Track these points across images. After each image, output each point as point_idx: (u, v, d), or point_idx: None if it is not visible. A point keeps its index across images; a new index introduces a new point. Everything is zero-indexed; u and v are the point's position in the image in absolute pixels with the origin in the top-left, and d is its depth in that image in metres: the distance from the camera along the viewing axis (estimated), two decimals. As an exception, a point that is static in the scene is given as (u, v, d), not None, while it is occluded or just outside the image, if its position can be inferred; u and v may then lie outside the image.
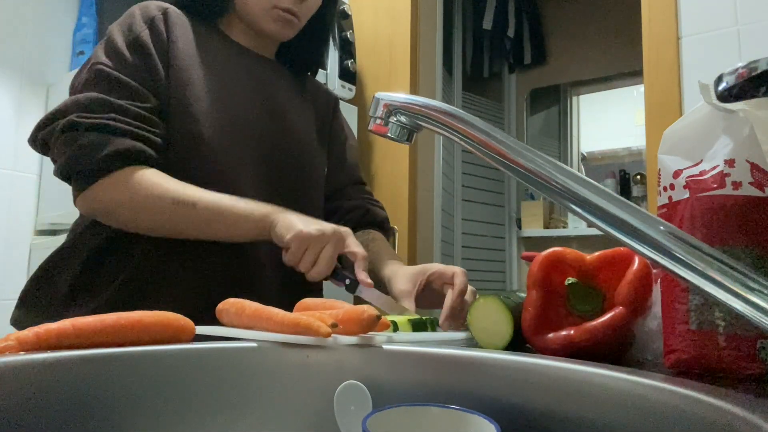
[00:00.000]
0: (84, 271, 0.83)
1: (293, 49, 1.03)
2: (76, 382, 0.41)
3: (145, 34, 0.84)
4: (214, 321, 0.63)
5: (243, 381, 0.50)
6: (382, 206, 1.11)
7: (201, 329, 0.57)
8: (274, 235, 0.79)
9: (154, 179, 0.78)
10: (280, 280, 0.89)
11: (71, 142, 0.76)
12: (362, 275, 0.79)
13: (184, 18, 0.89)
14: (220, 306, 0.62)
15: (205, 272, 0.83)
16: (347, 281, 0.80)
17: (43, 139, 0.80)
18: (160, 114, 0.82)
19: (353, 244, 0.80)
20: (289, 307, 0.63)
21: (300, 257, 0.77)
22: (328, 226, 0.79)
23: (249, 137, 0.88)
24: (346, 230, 0.80)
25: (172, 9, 0.88)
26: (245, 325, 0.58)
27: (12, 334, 0.42)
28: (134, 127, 0.78)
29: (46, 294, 0.84)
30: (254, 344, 0.52)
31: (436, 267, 0.86)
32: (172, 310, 0.53)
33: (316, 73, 1.12)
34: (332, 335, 0.52)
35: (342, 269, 0.81)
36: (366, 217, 1.05)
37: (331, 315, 0.56)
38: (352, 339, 0.53)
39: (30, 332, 0.43)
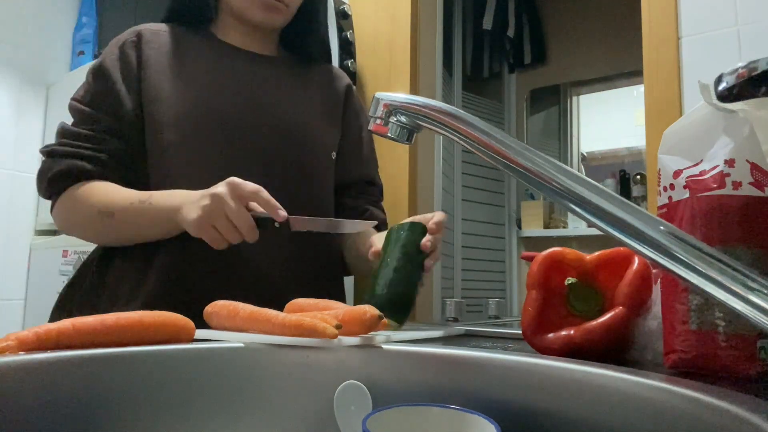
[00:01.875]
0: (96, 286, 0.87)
1: (291, 40, 1.03)
2: (76, 382, 0.41)
3: (112, 59, 0.89)
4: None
5: (243, 381, 0.50)
6: (383, 209, 1.11)
7: (200, 333, 0.56)
8: (188, 231, 0.78)
9: (85, 194, 0.84)
10: (293, 275, 0.89)
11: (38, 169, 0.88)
12: (276, 211, 0.75)
13: (162, 34, 0.93)
14: (208, 308, 0.61)
15: (224, 272, 0.83)
16: (276, 224, 0.75)
17: None
18: (118, 132, 0.87)
19: (244, 187, 0.75)
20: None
21: (219, 236, 0.75)
22: (210, 193, 0.75)
23: (223, 134, 0.88)
24: (231, 180, 0.75)
25: (148, 30, 0.92)
26: (239, 328, 0.57)
27: (12, 334, 0.42)
28: (77, 148, 0.85)
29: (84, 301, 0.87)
30: (255, 345, 0.52)
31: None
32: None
33: (327, 60, 1.10)
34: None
35: (261, 216, 0.76)
36: (364, 216, 1.05)
37: (332, 315, 0.55)
38: (354, 339, 0.53)
39: (30, 332, 0.43)
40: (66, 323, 0.45)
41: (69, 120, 0.90)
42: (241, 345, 0.52)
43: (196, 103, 0.87)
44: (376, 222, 0.93)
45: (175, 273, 0.83)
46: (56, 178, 0.85)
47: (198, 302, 0.64)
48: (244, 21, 0.95)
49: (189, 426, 0.47)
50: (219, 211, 0.74)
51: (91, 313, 0.48)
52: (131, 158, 0.88)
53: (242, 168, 0.87)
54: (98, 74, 0.89)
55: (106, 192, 0.84)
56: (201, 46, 0.94)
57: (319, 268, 0.95)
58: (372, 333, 0.57)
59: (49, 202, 0.89)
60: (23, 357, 0.40)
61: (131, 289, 0.83)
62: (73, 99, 0.91)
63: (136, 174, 0.88)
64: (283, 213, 0.75)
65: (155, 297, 0.81)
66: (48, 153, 0.87)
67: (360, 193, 1.07)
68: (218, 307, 0.60)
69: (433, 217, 0.82)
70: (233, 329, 0.58)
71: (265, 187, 0.88)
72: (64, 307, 0.89)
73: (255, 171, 0.88)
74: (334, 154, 1.02)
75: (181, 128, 0.86)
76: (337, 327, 0.51)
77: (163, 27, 0.94)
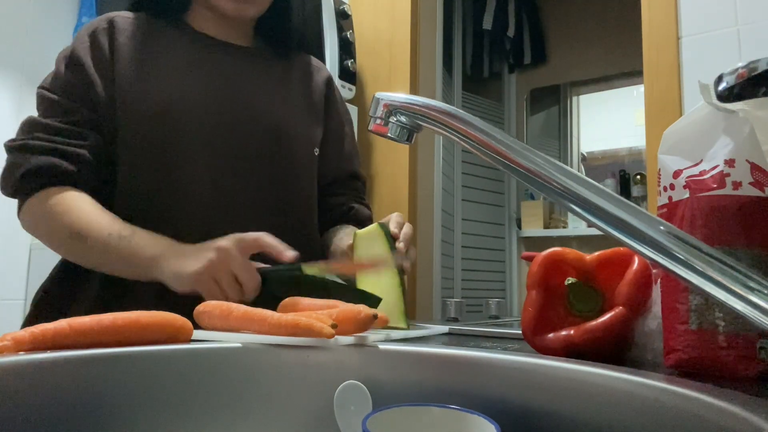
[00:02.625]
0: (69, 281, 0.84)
1: (267, 29, 0.99)
2: (74, 383, 0.41)
3: (83, 48, 0.84)
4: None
5: (242, 381, 0.50)
6: (368, 205, 1.08)
7: (197, 333, 0.56)
8: (168, 285, 0.74)
9: (60, 208, 0.77)
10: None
11: (4, 165, 0.80)
12: (283, 254, 0.73)
13: (135, 22, 0.88)
14: (199, 308, 0.60)
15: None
16: (288, 274, 0.73)
17: None
18: (94, 124, 0.82)
19: (246, 241, 0.73)
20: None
21: (218, 291, 0.71)
22: (211, 249, 0.72)
23: (202, 128, 0.84)
24: (229, 239, 0.73)
25: (121, 17, 0.88)
26: (232, 328, 0.57)
27: (8, 334, 0.42)
28: (51, 143, 0.78)
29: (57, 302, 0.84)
30: (254, 345, 0.52)
31: (390, 216, 0.85)
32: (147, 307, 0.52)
33: (307, 51, 1.06)
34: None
35: (269, 267, 0.75)
36: (349, 214, 1.02)
37: (327, 315, 0.55)
38: (348, 339, 0.53)
39: (26, 332, 0.43)
40: (62, 323, 0.44)
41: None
42: (241, 345, 0.52)
43: (170, 95, 0.84)
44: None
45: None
46: (29, 177, 0.77)
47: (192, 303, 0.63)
48: (216, 11, 0.91)
49: (188, 426, 0.47)
50: (224, 266, 0.71)
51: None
52: (107, 153, 0.83)
53: (223, 164, 0.85)
54: (70, 63, 0.84)
55: (83, 211, 0.77)
56: (176, 36, 0.90)
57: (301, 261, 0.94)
58: (367, 332, 0.56)
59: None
60: (20, 357, 0.40)
61: (120, 293, 0.80)
62: (41, 87, 0.84)
63: (108, 171, 0.83)
64: (290, 254, 0.72)
65: (149, 297, 0.78)
66: (18, 148, 0.78)
67: (344, 188, 1.04)
68: (210, 306, 0.59)
69: (391, 220, 0.82)
70: (225, 329, 0.57)
71: (247, 185, 0.86)
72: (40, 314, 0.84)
73: (237, 168, 0.86)
74: (317, 150, 0.98)
75: (158, 122, 0.82)
76: (333, 326, 0.51)
77: (133, 15, 0.90)
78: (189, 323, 0.53)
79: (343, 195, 1.04)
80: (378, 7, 2.01)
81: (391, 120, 0.51)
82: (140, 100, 0.82)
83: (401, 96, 0.51)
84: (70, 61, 0.84)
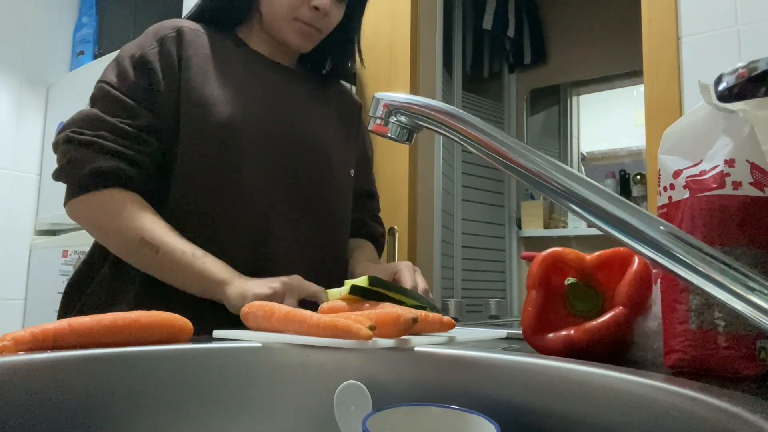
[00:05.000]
0: (108, 277, 0.86)
1: (314, 57, 1.02)
2: (74, 383, 0.41)
3: (153, 53, 0.84)
4: (211, 324, 0.63)
5: (242, 381, 0.50)
6: (381, 222, 1.13)
7: (222, 333, 0.56)
8: (230, 306, 0.77)
9: (127, 211, 0.79)
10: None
11: (64, 155, 0.80)
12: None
13: (200, 34, 0.89)
14: (245, 309, 0.60)
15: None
16: None
17: (53, 147, 0.84)
18: (156, 130, 0.83)
19: (309, 286, 0.79)
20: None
21: None
22: (280, 281, 0.77)
23: (259, 146, 0.87)
24: (296, 278, 0.79)
25: (188, 26, 0.88)
26: (274, 329, 0.56)
27: (8, 334, 0.42)
28: (120, 146, 0.79)
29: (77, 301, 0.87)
30: (254, 344, 0.52)
31: (400, 266, 0.89)
32: (185, 312, 0.53)
33: (340, 78, 1.10)
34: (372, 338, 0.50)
35: None
36: (362, 230, 1.07)
37: (366, 316, 0.54)
38: (389, 342, 0.52)
39: (26, 332, 0.43)
40: (62, 323, 0.44)
41: (74, 110, 0.84)
42: (240, 345, 0.52)
43: (237, 113, 0.85)
44: None
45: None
46: (96, 176, 0.78)
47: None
48: (276, 38, 0.94)
49: (187, 426, 0.47)
50: (283, 297, 0.75)
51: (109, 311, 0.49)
52: (165, 161, 0.84)
53: (275, 179, 0.88)
54: (139, 64, 0.83)
55: (153, 222, 0.80)
56: (237, 53, 0.92)
57: (336, 273, 0.95)
58: (408, 336, 0.55)
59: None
60: (20, 357, 0.40)
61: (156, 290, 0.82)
62: (104, 82, 0.83)
63: (165, 179, 0.85)
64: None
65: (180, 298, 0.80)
66: (86, 143, 0.79)
67: (360, 206, 1.08)
68: (255, 307, 0.59)
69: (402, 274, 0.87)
70: (269, 330, 0.57)
71: (296, 201, 0.90)
72: (73, 308, 0.88)
73: (288, 183, 0.89)
74: (352, 172, 1.02)
75: (220, 137, 0.83)
76: (371, 328, 0.50)
77: (198, 26, 0.90)
78: (189, 323, 0.53)
79: (358, 211, 1.07)
80: (378, 7, 2.01)
81: (391, 120, 0.51)
82: (204, 113, 0.83)
83: (401, 96, 0.51)
84: (139, 62, 0.84)
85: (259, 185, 0.86)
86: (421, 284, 0.87)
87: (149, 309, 0.52)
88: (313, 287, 0.79)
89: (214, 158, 0.83)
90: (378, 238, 1.09)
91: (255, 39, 0.96)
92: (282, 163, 0.89)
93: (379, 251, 1.09)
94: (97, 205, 0.80)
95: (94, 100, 0.84)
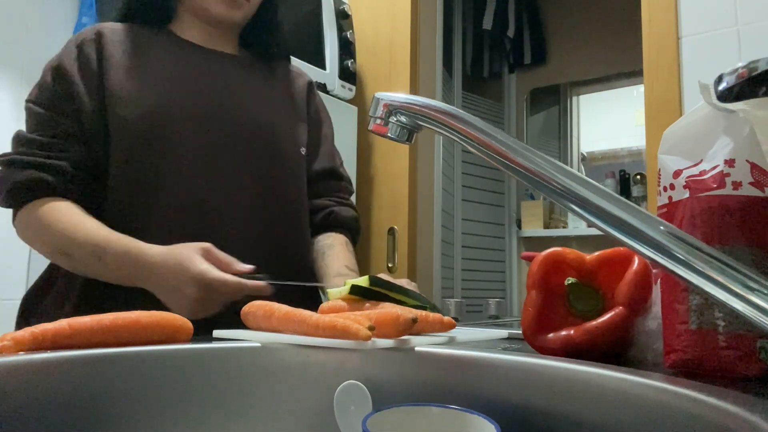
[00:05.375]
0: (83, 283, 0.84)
1: (251, 38, 1.02)
2: (74, 383, 0.41)
3: (70, 59, 0.86)
4: (211, 324, 0.63)
5: (242, 381, 0.50)
6: (352, 204, 1.08)
7: (222, 333, 0.56)
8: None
9: (45, 221, 0.80)
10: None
11: None
12: (232, 265, 0.74)
13: (121, 33, 0.90)
14: (245, 309, 0.60)
15: None
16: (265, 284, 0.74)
17: None
18: (79, 136, 0.83)
19: (204, 247, 0.74)
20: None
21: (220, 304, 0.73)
22: (192, 285, 0.71)
23: (190, 134, 0.86)
24: (201, 278, 0.71)
25: (109, 28, 0.90)
26: (274, 329, 0.56)
27: (8, 334, 0.42)
28: (37, 157, 0.81)
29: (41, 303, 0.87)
30: (254, 344, 0.52)
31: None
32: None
33: (286, 58, 1.09)
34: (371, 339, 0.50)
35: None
36: (330, 218, 1.02)
37: (366, 316, 0.54)
38: (388, 342, 0.51)
39: (26, 332, 0.43)
40: (62, 323, 0.45)
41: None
42: (240, 345, 0.52)
43: (163, 101, 0.85)
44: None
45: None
46: (16, 191, 0.80)
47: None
48: (205, 17, 0.94)
49: (187, 426, 0.47)
50: (214, 304, 0.73)
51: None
52: (94, 163, 0.84)
53: (210, 166, 0.87)
54: (56, 74, 0.85)
55: (67, 225, 0.79)
56: (162, 44, 0.92)
57: (294, 255, 0.94)
58: (407, 336, 0.54)
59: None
60: (20, 357, 0.40)
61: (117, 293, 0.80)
62: (28, 101, 0.86)
63: (98, 180, 0.84)
64: (242, 267, 0.74)
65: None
66: (5, 163, 0.82)
67: (325, 189, 1.05)
68: (255, 307, 0.59)
69: None
70: (269, 330, 0.57)
71: (236, 184, 0.88)
72: (31, 313, 0.87)
73: (225, 168, 0.88)
74: (303, 150, 1.00)
75: (148, 128, 0.83)
76: (370, 329, 0.50)
77: (121, 26, 0.92)
78: (189, 323, 0.53)
79: (325, 197, 1.04)
80: (378, 7, 2.01)
81: (391, 120, 0.51)
82: (128, 108, 0.84)
83: (401, 96, 0.51)
84: (57, 72, 0.85)
85: (190, 174, 0.85)
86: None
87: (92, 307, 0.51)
88: (204, 248, 0.74)
89: (141, 152, 0.83)
90: (349, 222, 1.04)
91: (187, 29, 0.96)
92: (217, 146, 0.88)
93: (355, 237, 1.05)
94: (25, 220, 0.82)
95: (25, 122, 0.87)
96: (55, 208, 0.80)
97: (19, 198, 0.81)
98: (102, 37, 0.88)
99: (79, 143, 0.84)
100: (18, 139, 0.84)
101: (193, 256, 0.72)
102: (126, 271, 0.77)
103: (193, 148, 0.86)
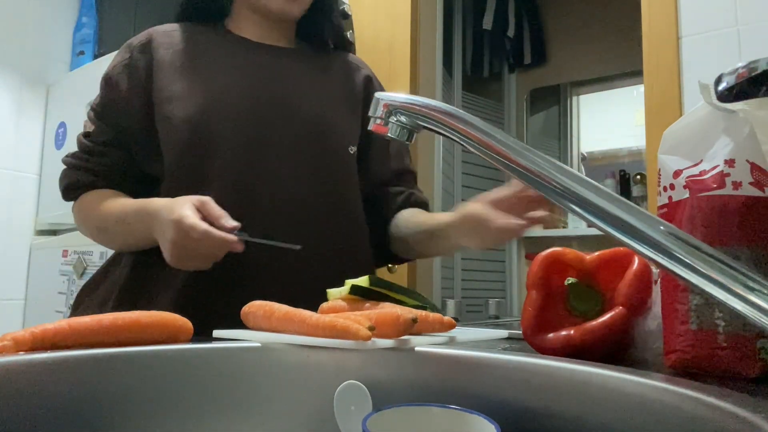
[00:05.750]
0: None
1: (308, 30, 1.02)
2: (74, 382, 0.41)
3: (120, 66, 0.91)
4: (211, 323, 0.63)
5: (242, 381, 0.50)
6: (422, 193, 1.08)
7: (222, 333, 0.56)
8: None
9: (86, 208, 0.92)
10: (280, 280, 0.86)
11: None
12: (221, 219, 0.73)
13: (174, 34, 0.92)
14: (245, 309, 0.60)
15: (201, 274, 0.80)
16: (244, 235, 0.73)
17: None
18: (119, 143, 0.90)
19: (198, 200, 0.74)
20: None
21: (203, 264, 0.75)
22: (170, 240, 0.73)
23: (236, 132, 0.86)
24: (174, 221, 0.72)
25: (160, 31, 0.93)
26: (274, 329, 0.56)
27: (8, 334, 0.42)
28: (81, 161, 0.92)
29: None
30: (254, 344, 0.52)
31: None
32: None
33: (344, 48, 1.08)
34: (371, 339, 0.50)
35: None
36: (411, 199, 1.03)
37: (365, 316, 0.53)
38: (388, 342, 0.51)
39: (26, 332, 0.43)
40: (62, 323, 0.45)
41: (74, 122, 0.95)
42: (240, 345, 0.52)
43: (210, 101, 0.86)
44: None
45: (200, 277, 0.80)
46: (65, 190, 0.94)
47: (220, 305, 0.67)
48: (262, 12, 0.94)
49: (187, 426, 0.47)
50: (191, 252, 0.73)
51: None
52: (146, 160, 0.90)
53: (257, 165, 0.86)
54: (106, 83, 0.92)
55: (101, 206, 0.88)
56: (215, 42, 0.93)
57: (343, 269, 0.89)
58: (408, 336, 0.54)
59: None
60: (20, 357, 0.40)
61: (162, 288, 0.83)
62: (90, 108, 0.95)
63: (150, 177, 0.90)
64: (232, 223, 0.73)
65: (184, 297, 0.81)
66: (66, 164, 0.95)
67: (399, 182, 1.05)
68: (255, 307, 0.59)
69: None
70: (269, 330, 0.56)
71: (283, 182, 0.88)
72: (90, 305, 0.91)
73: (271, 163, 0.87)
74: (353, 149, 0.97)
75: (195, 126, 0.84)
76: (370, 329, 0.50)
77: (175, 27, 0.94)
78: (189, 323, 0.53)
79: (400, 186, 1.05)
80: (378, 7, 2.01)
81: (391, 120, 0.51)
82: (175, 109, 0.86)
83: (401, 96, 0.51)
84: (106, 82, 0.92)
85: (239, 168, 0.85)
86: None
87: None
88: (197, 200, 0.74)
89: (188, 152, 0.84)
90: (424, 205, 1.05)
91: (243, 25, 0.96)
92: (264, 142, 0.87)
93: None
94: (75, 216, 0.95)
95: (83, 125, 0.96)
96: (95, 195, 0.91)
97: (68, 195, 0.94)
98: (152, 40, 0.91)
99: (118, 149, 0.91)
100: (78, 143, 0.95)
101: (184, 204, 0.73)
102: (143, 226, 0.81)
103: (239, 145, 0.86)
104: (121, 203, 0.87)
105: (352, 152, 0.98)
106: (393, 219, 1.02)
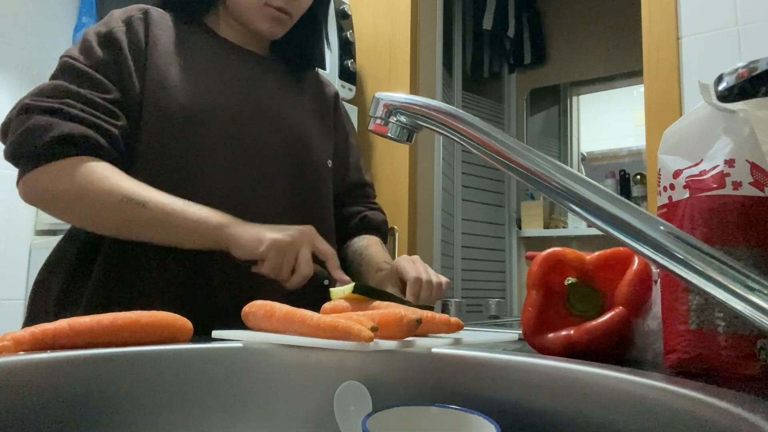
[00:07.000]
0: (72, 278, 0.81)
1: (286, 45, 1.01)
2: (74, 383, 0.41)
3: (120, 30, 0.82)
4: (211, 324, 0.63)
5: (242, 381, 0.50)
6: (380, 209, 1.11)
7: (223, 333, 0.55)
8: (238, 249, 0.75)
9: (103, 173, 0.74)
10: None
11: (21, 125, 0.74)
12: (338, 273, 0.78)
13: (166, 19, 0.89)
14: (246, 309, 0.59)
15: (202, 272, 0.80)
16: (326, 281, 0.79)
17: (2, 128, 0.78)
18: (123, 107, 0.80)
19: (321, 242, 0.79)
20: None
21: (280, 266, 0.75)
22: (295, 229, 0.77)
23: (227, 132, 0.85)
24: (310, 228, 0.79)
25: (154, 10, 0.88)
26: (274, 329, 0.55)
27: (8, 334, 0.42)
28: (88, 114, 0.75)
29: (42, 301, 0.82)
30: (254, 344, 0.52)
31: (400, 263, 0.90)
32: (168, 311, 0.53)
33: (314, 67, 1.08)
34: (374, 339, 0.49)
35: (319, 270, 0.79)
36: (363, 222, 1.05)
37: (368, 317, 0.52)
38: (391, 344, 0.50)
39: (26, 332, 0.43)
40: (62, 323, 0.45)
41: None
42: (240, 345, 0.52)
43: (201, 96, 0.84)
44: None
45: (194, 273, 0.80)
46: (59, 142, 0.72)
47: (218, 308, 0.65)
48: (246, 26, 0.93)
49: (187, 426, 0.47)
50: (298, 246, 0.75)
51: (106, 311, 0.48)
52: (128, 139, 0.80)
53: (244, 165, 0.86)
54: (107, 41, 0.81)
55: (131, 180, 0.75)
56: (203, 40, 0.91)
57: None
58: (411, 338, 0.53)
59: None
60: (20, 357, 0.40)
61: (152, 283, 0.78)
62: (68, 56, 0.80)
63: (130, 158, 0.81)
64: (345, 278, 0.78)
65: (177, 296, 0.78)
66: (47, 110, 0.74)
67: (353, 199, 1.07)
68: (255, 307, 0.58)
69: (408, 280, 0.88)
70: (269, 330, 0.56)
71: (268, 186, 0.87)
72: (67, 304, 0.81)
73: (258, 170, 0.87)
74: (330, 162, 1.00)
75: (183, 120, 0.82)
76: (373, 330, 0.48)
77: (164, 12, 0.90)
78: (189, 323, 0.53)
79: (355, 205, 1.06)
80: (378, 7, 2.01)
81: (391, 120, 0.51)
82: (166, 96, 0.81)
83: (401, 96, 0.51)
84: (106, 39, 0.81)
85: (223, 172, 0.84)
86: (428, 276, 0.86)
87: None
88: (325, 245, 0.79)
89: (177, 143, 0.81)
90: (380, 225, 1.07)
91: (223, 26, 0.94)
92: (251, 148, 0.87)
93: (384, 238, 1.08)
94: (65, 172, 0.74)
95: (57, 75, 0.80)
96: (110, 165, 0.76)
97: (61, 150, 0.73)
98: (150, 16, 0.86)
99: (125, 116, 0.80)
100: (61, 90, 0.76)
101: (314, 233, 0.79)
102: (217, 221, 0.76)
103: (226, 145, 0.85)
104: (168, 196, 0.76)
105: (330, 165, 1.00)
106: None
